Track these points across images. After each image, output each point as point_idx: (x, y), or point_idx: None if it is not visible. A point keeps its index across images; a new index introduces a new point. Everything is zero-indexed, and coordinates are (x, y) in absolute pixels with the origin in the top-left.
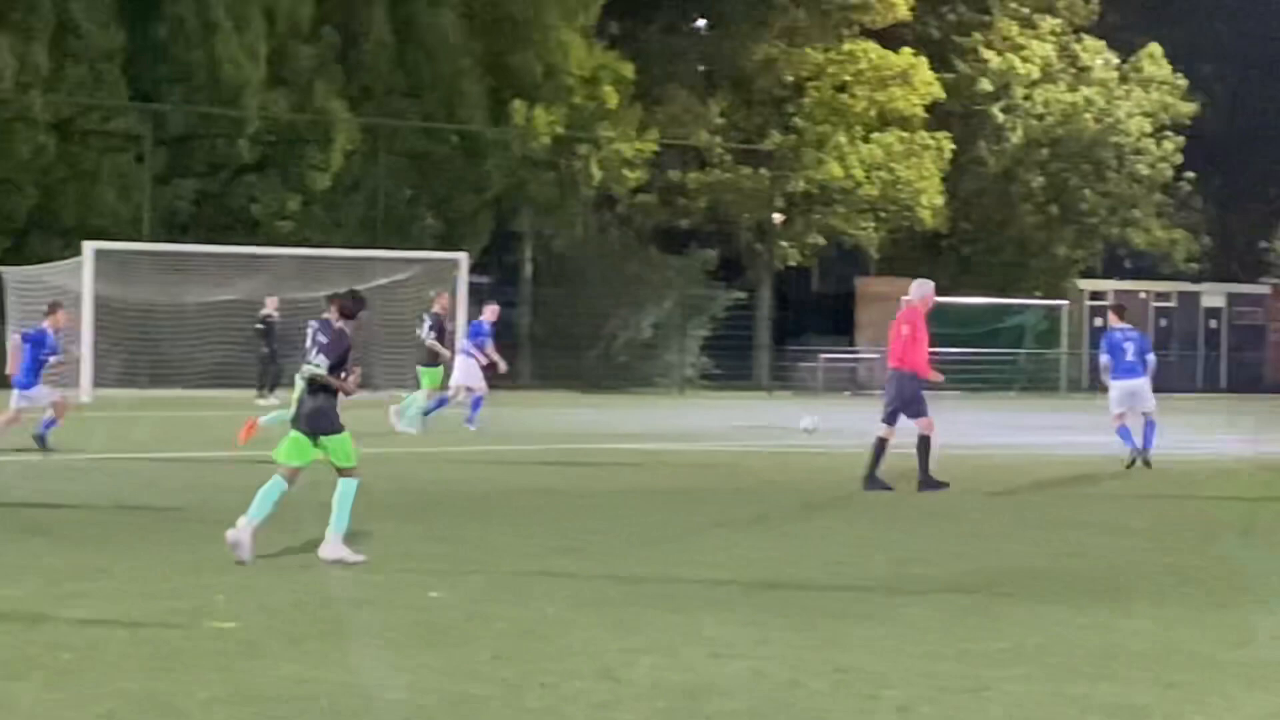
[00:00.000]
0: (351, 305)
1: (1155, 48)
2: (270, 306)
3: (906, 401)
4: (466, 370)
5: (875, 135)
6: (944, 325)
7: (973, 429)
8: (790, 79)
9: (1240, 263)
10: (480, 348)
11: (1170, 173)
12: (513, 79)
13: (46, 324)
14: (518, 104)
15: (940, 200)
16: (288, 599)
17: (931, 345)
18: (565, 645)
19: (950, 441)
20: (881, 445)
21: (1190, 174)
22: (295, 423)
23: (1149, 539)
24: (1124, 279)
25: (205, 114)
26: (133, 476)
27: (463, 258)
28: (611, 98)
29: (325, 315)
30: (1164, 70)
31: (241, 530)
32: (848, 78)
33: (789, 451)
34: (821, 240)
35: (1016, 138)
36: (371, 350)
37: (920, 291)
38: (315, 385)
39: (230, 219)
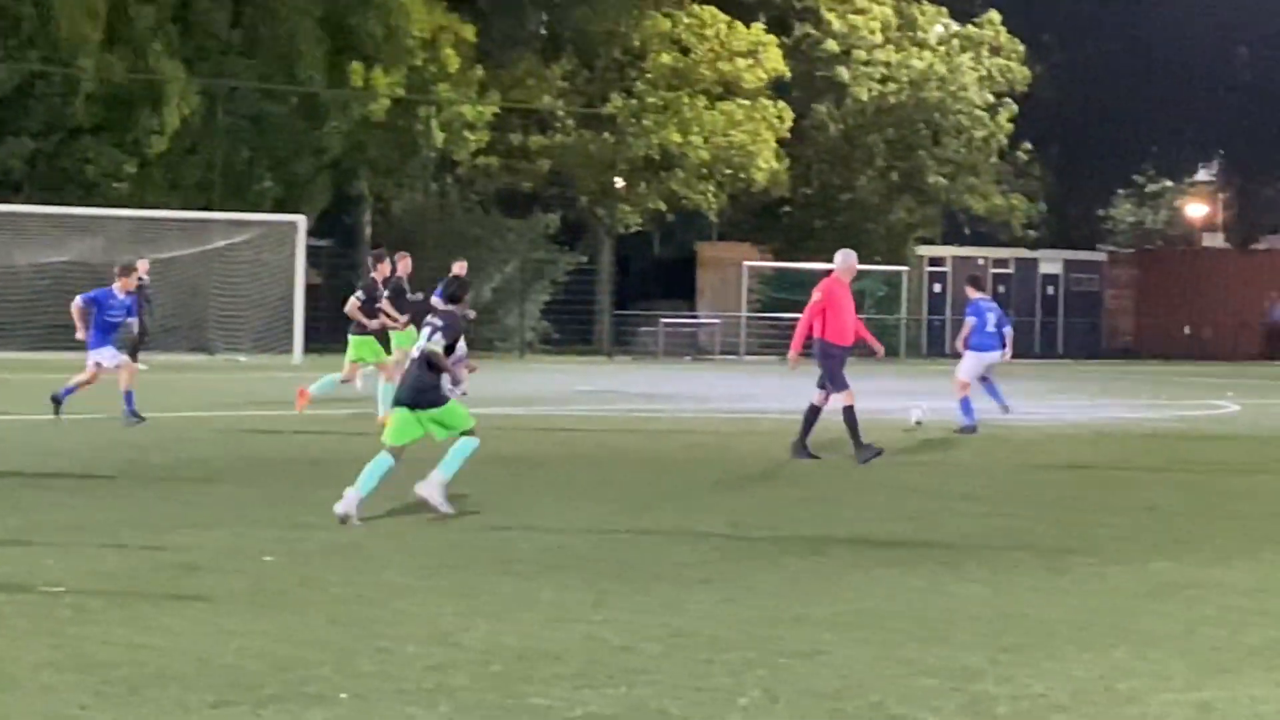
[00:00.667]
0: (459, 290)
1: (994, 14)
2: (142, 269)
3: (823, 371)
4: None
5: (719, 103)
6: (783, 290)
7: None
8: (635, 44)
9: (1077, 230)
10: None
11: (1007, 140)
12: (352, 40)
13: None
14: (357, 65)
15: (776, 164)
16: (118, 564)
17: (771, 310)
18: (400, 610)
19: (790, 407)
20: (814, 412)
21: (1028, 143)
22: (400, 400)
23: (986, 504)
24: (963, 245)
25: (40, 72)
26: None
27: (301, 220)
28: (452, 60)
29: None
30: (1003, 37)
31: (349, 502)
32: (693, 44)
33: (629, 417)
34: (662, 205)
35: (858, 101)
36: (208, 312)
37: (842, 261)
38: (428, 363)
39: (64, 179)
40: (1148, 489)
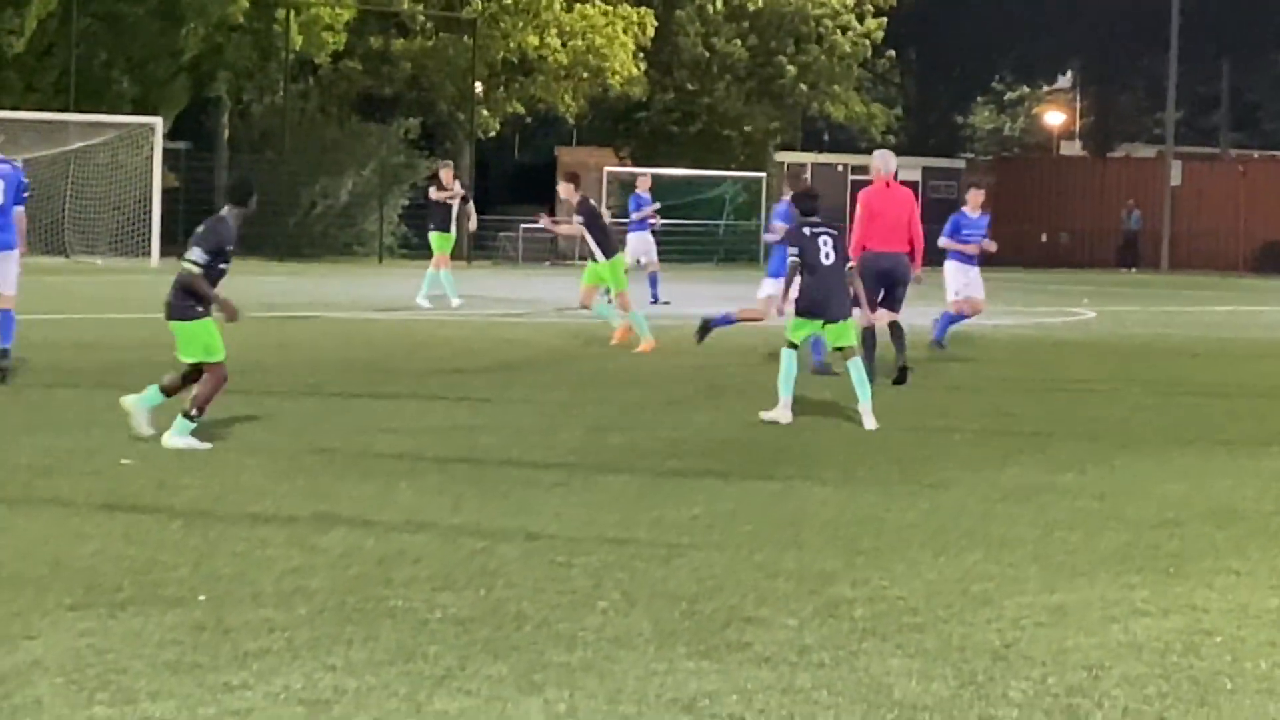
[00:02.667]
0: (809, 202)
1: None
2: None
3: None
4: (641, 245)
5: (578, 6)
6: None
7: (675, 300)
8: None
9: (936, 137)
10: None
11: (870, 50)
12: None
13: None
14: None
15: (634, 69)
16: None
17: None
18: (258, 513)
19: (651, 312)
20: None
21: (891, 51)
22: (818, 312)
23: (838, 412)
24: (822, 152)
25: None
26: None
27: (158, 122)
28: None
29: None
30: None
31: (781, 410)
32: None
33: (486, 322)
34: (521, 109)
35: (717, 8)
36: (65, 215)
37: (881, 162)
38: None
39: None
40: (1002, 395)
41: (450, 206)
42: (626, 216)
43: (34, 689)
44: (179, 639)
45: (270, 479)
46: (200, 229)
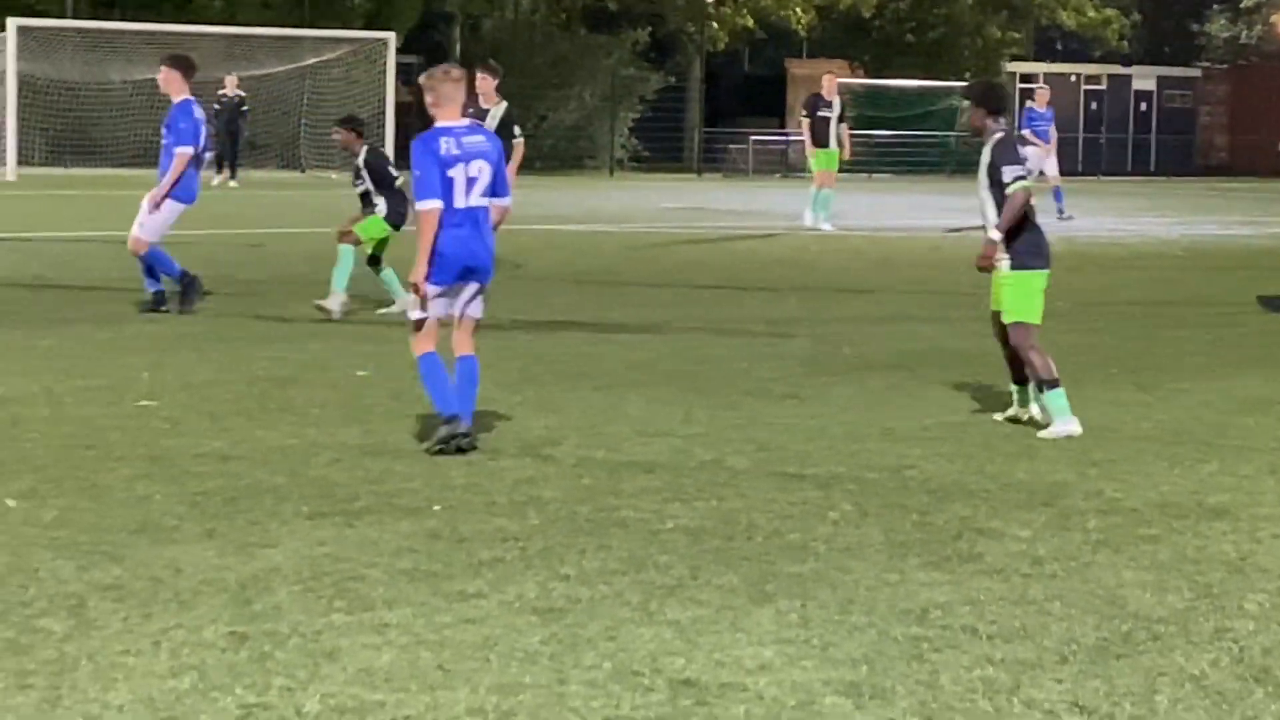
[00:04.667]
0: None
1: None
2: (230, 86)
3: None
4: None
5: None
6: (875, 109)
7: (906, 211)
8: None
9: (1171, 46)
10: (1041, 136)
11: None
12: None
13: None
14: None
15: None
16: (209, 376)
17: (862, 128)
18: (490, 424)
19: (882, 224)
20: None
21: None
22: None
23: (1070, 321)
24: (1054, 61)
25: None
26: (53, 256)
27: (391, 37)
28: None
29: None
30: None
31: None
32: None
33: (716, 234)
34: (752, 22)
35: None
36: (300, 130)
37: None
38: None
39: None
40: (1236, 306)
41: (828, 121)
42: (859, 128)
43: (273, 596)
44: (414, 547)
45: (501, 390)
46: (1006, 148)
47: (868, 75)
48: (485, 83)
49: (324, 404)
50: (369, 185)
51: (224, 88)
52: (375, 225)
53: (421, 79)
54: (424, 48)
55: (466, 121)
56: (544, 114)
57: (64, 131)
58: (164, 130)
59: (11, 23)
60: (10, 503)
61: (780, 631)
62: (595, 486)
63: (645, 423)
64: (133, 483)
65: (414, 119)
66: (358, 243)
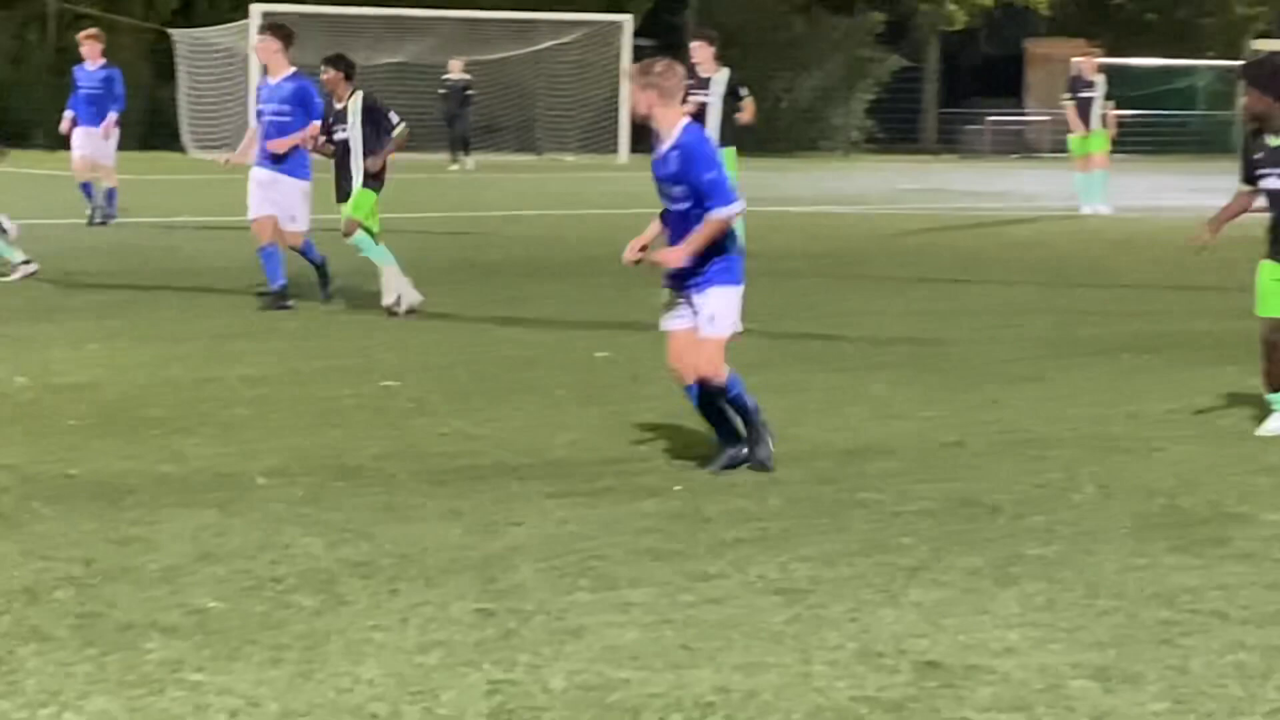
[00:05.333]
0: None
1: None
2: (454, 70)
3: None
4: None
5: None
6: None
7: (1148, 192)
8: None
9: None
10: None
11: None
12: None
13: None
14: None
15: None
16: (453, 358)
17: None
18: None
19: (1124, 204)
20: None
21: None
22: None
23: None
24: None
25: None
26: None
27: (627, 20)
28: None
29: None
30: None
31: None
32: None
33: (952, 214)
34: (989, 1)
35: None
36: (536, 113)
37: None
38: None
39: None
40: None
41: (1090, 101)
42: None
43: (518, 573)
44: (657, 527)
45: (741, 370)
46: None
47: (1108, 55)
48: (703, 49)
49: (564, 385)
50: (357, 134)
51: (449, 71)
52: (365, 199)
53: (635, 73)
54: (659, 30)
55: None
56: (779, 95)
57: None
58: (278, 106)
59: (255, 9)
60: (261, 480)
61: (1026, 614)
62: (835, 468)
63: (885, 405)
64: (381, 461)
65: None
66: (361, 227)
